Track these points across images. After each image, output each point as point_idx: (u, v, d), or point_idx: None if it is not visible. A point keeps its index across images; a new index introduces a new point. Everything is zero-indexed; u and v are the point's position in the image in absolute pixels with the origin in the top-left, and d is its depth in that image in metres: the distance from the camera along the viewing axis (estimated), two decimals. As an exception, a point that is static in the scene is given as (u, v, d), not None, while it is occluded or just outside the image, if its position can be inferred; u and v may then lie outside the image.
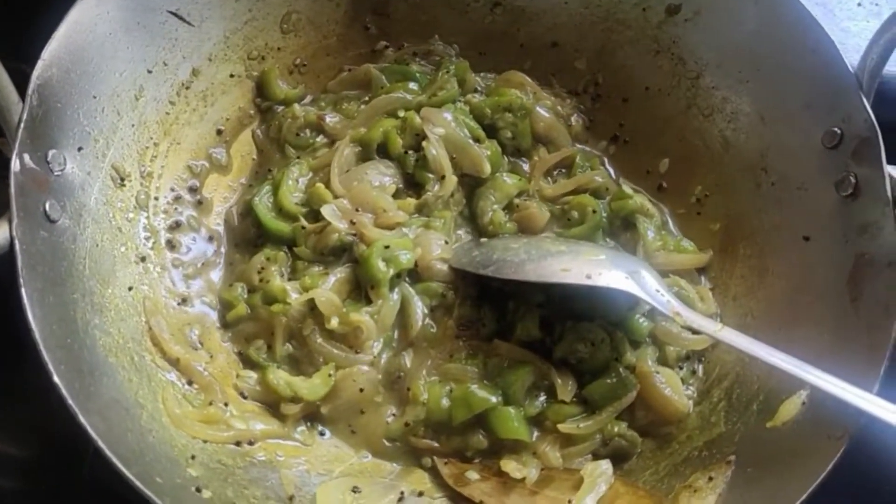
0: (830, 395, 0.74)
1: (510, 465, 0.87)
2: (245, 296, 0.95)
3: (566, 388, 0.90)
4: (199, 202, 1.00)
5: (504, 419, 0.88)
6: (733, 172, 1.01)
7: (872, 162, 0.83)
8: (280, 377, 0.89)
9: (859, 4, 1.29)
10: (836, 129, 0.87)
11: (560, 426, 0.89)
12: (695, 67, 1.03)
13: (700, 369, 0.96)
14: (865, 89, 0.86)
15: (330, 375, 0.89)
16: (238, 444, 0.84)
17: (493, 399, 0.88)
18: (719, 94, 1.02)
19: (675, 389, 0.92)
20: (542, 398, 0.91)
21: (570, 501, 0.83)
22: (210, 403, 0.86)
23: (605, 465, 0.87)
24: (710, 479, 0.81)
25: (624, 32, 1.07)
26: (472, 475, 0.87)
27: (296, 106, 1.04)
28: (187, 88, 0.98)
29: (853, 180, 0.85)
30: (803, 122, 0.92)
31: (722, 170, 1.02)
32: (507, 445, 0.89)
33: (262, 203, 0.97)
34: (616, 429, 0.90)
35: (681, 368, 0.96)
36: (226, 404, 0.87)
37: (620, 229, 1.04)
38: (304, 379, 0.90)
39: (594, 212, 1.02)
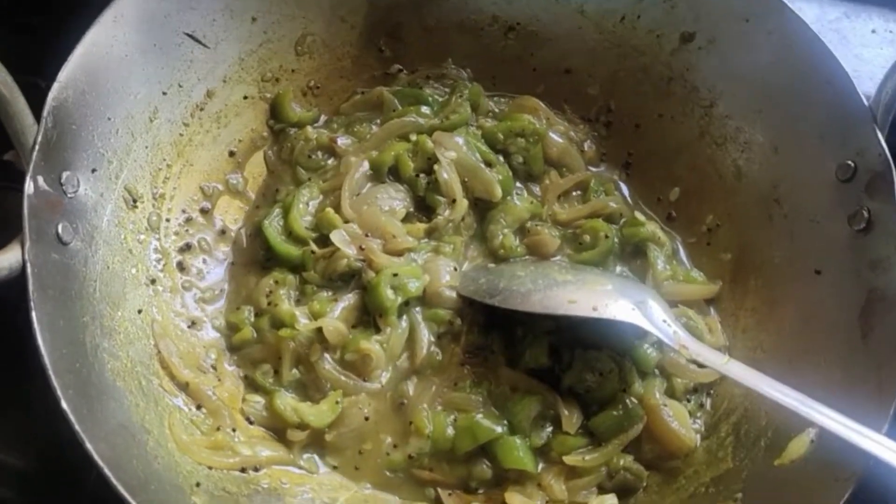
0: (839, 433, 0.73)
1: (515, 498, 0.86)
2: (252, 319, 0.95)
3: (571, 419, 0.90)
4: (211, 224, 1.00)
5: (509, 449, 0.88)
6: (745, 203, 1.00)
7: (886, 196, 0.83)
8: (287, 403, 0.89)
9: (873, 31, 1.29)
10: (849, 162, 0.87)
11: (565, 458, 0.89)
12: (708, 96, 1.03)
13: (708, 403, 0.96)
14: (880, 123, 0.86)
15: (337, 402, 0.89)
16: (243, 470, 0.84)
17: (499, 429, 0.88)
18: (732, 124, 1.02)
19: (683, 423, 0.91)
20: (549, 429, 0.91)
21: None
22: (217, 429, 0.86)
23: (611, 500, 0.86)
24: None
25: (638, 59, 1.07)
26: None
27: (308, 128, 1.05)
28: (201, 110, 0.99)
29: (866, 214, 0.84)
30: (817, 154, 0.91)
31: (734, 200, 1.02)
32: (511, 477, 0.89)
33: (272, 226, 0.98)
34: (622, 462, 0.90)
35: (688, 401, 0.95)
36: (233, 430, 0.87)
37: (631, 256, 1.04)
38: (311, 405, 0.90)
39: (606, 237, 1.02)
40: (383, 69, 1.10)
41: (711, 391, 0.96)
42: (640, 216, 1.04)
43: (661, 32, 1.04)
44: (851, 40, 1.26)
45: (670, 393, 0.94)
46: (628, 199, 1.09)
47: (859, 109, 0.86)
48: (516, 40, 1.09)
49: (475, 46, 1.10)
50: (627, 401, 0.91)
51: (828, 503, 0.71)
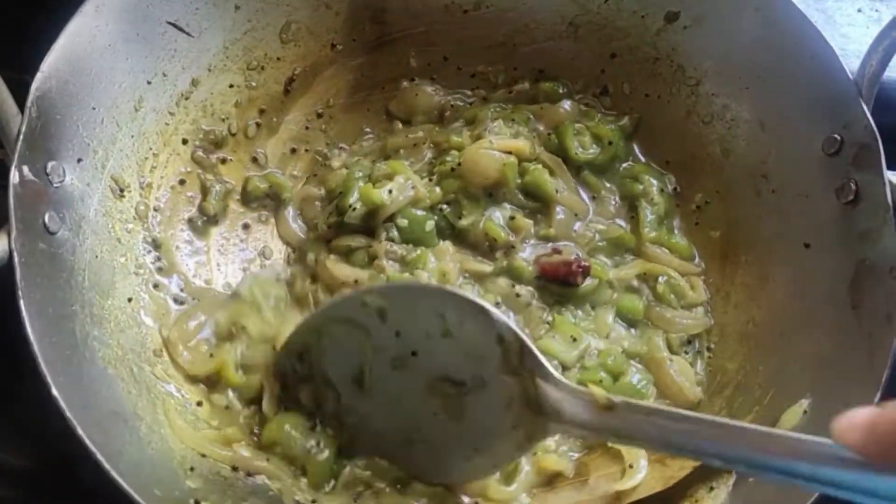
0: (833, 404, 0.74)
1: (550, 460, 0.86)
2: None
3: None
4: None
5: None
6: (733, 180, 1.01)
7: (873, 168, 0.83)
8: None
9: (859, 10, 1.29)
10: (836, 135, 0.87)
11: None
12: (694, 74, 1.03)
13: (702, 359, 0.96)
14: (865, 96, 0.86)
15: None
16: (235, 469, 0.82)
17: None
18: (719, 101, 1.02)
19: (688, 377, 0.92)
20: None
21: (630, 466, 0.82)
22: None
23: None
24: (712, 489, 0.81)
25: (623, 40, 1.06)
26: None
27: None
28: (187, 99, 0.98)
29: (853, 187, 0.85)
30: (803, 128, 0.91)
31: (722, 177, 1.02)
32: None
33: None
34: None
35: (686, 353, 0.96)
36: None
37: (624, 209, 1.04)
38: None
39: (610, 143, 1.03)
40: (369, 56, 1.09)
41: (709, 347, 0.97)
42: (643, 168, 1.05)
43: (646, 13, 1.04)
44: (838, 20, 1.27)
45: (668, 347, 0.95)
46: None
47: (844, 83, 0.87)
48: (501, 24, 1.09)
49: (460, 31, 1.09)
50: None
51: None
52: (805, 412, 0.80)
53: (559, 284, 0.96)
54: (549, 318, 0.95)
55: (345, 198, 0.98)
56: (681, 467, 0.82)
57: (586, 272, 0.96)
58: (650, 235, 1.01)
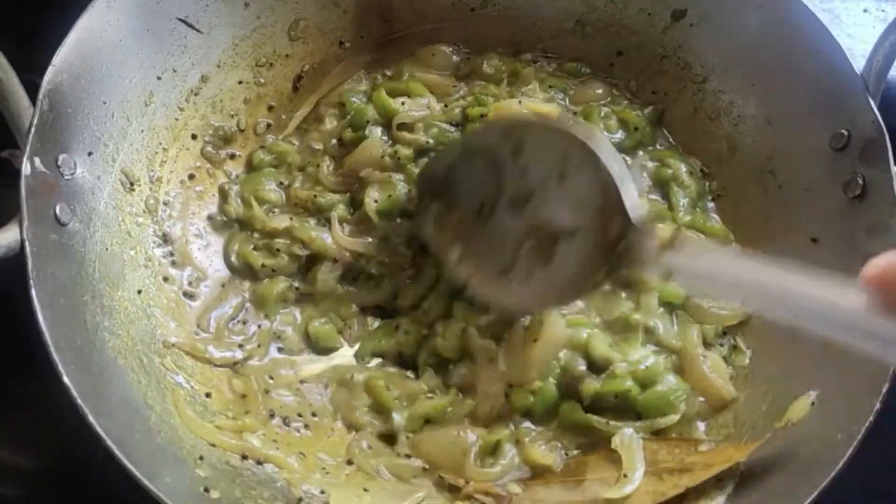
0: (840, 395, 0.73)
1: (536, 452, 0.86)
2: None
3: None
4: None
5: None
6: (740, 176, 1.01)
7: (880, 163, 0.83)
8: None
9: (865, 10, 1.30)
10: (842, 130, 0.87)
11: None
12: (701, 71, 1.04)
13: (745, 349, 0.94)
14: (872, 91, 0.86)
15: None
16: (244, 457, 0.83)
17: None
18: (725, 98, 1.02)
19: (721, 375, 0.90)
20: None
21: (624, 475, 0.81)
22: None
23: (629, 431, 0.85)
24: (719, 479, 0.80)
25: (630, 38, 1.07)
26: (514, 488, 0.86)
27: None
28: (196, 94, 0.99)
29: (861, 182, 0.85)
30: (810, 124, 0.92)
31: (729, 173, 1.02)
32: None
33: None
34: None
35: (721, 346, 0.94)
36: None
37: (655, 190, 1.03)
38: None
39: (636, 129, 1.03)
40: (377, 53, 1.10)
41: (739, 336, 0.95)
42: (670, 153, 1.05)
43: (653, 10, 1.04)
44: (844, 20, 1.27)
45: (703, 339, 0.93)
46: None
47: (851, 78, 0.87)
48: (508, 22, 1.10)
49: (467, 29, 1.10)
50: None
51: (830, 462, 0.71)
52: (813, 403, 0.80)
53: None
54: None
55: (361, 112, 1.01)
56: (675, 486, 0.81)
57: None
58: (686, 220, 0.99)
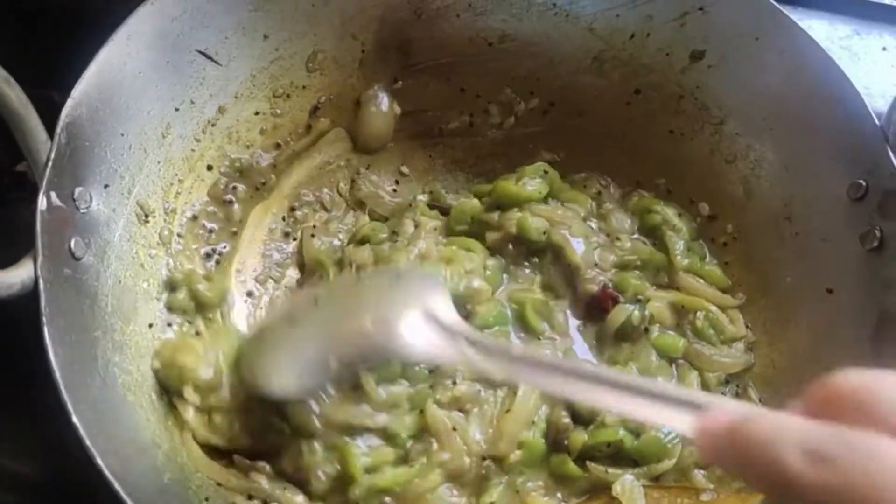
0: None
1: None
2: None
3: None
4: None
5: None
6: (756, 221, 1.00)
7: (898, 216, 0.83)
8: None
9: (884, 49, 1.29)
10: (861, 181, 0.86)
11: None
12: (718, 113, 1.03)
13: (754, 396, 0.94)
14: (892, 142, 0.85)
15: None
16: (251, 497, 0.83)
17: None
18: (742, 141, 1.02)
19: None
20: None
21: None
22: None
23: (630, 478, 0.85)
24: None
25: (647, 77, 1.07)
26: None
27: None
28: (213, 126, 0.99)
29: (878, 234, 0.84)
30: (828, 172, 0.91)
31: (744, 218, 1.02)
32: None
33: None
34: None
35: (724, 394, 0.94)
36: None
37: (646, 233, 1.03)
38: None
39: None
40: (392, 86, 1.10)
41: (744, 384, 0.95)
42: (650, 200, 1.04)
43: (671, 51, 1.04)
44: (862, 58, 1.26)
45: (704, 386, 0.93)
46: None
47: (871, 128, 0.86)
48: (525, 58, 1.10)
49: (484, 64, 1.10)
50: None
51: None
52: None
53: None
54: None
55: None
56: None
57: (615, 300, 0.96)
58: (683, 263, 0.99)
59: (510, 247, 1.01)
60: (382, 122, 1.10)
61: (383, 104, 1.10)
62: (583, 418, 0.88)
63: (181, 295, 0.91)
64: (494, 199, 1.03)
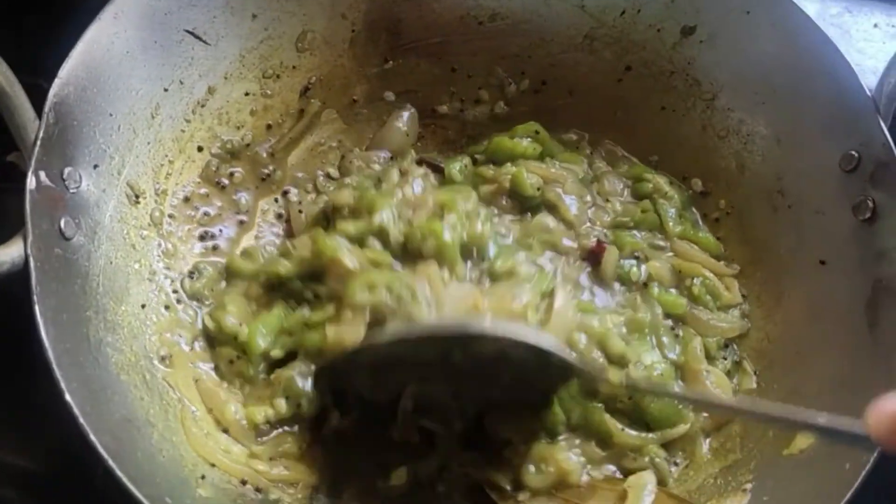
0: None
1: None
2: None
3: None
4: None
5: None
6: (749, 195, 1.00)
7: (890, 186, 0.83)
8: None
9: (875, 26, 1.29)
10: (853, 152, 0.87)
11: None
12: (710, 89, 1.03)
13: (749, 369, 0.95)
14: (883, 113, 0.86)
15: None
16: (244, 482, 0.82)
17: None
18: (735, 116, 1.02)
19: (724, 389, 0.90)
20: None
21: None
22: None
23: (649, 477, 0.85)
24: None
25: (639, 53, 1.06)
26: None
27: None
28: (202, 106, 0.99)
29: (871, 204, 0.84)
30: (820, 145, 0.91)
31: (737, 192, 1.02)
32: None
33: None
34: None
35: (724, 359, 0.94)
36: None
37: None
38: None
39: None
40: (383, 66, 1.10)
41: (740, 357, 0.95)
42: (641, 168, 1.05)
43: (662, 26, 1.03)
44: (854, 35, 1.27)
45: (706, 354, 0.93)
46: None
47: (862, 100, 0.86)
48: (516, 36, 1.09)
49: (475, 43, 1.09)
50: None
51: (838, 490, 0.71)
52: (821, 430, 0.80)
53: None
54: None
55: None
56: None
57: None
58: (676, 230, 1.00)
59: (503, 201, 1.02)
60: (403, 139, 1.10)
61: (410, 124, 1.11)
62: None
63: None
64: (489, 155, 1.05)
